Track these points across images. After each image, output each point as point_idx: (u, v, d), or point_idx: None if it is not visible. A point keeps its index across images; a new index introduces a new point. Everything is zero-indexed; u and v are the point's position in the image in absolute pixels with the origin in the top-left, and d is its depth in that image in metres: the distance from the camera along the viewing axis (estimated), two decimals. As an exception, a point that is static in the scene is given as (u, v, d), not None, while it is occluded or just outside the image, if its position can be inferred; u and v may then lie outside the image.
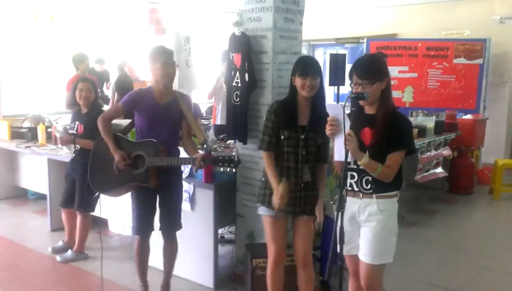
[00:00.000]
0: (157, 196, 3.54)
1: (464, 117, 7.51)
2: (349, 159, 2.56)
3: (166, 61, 3.41)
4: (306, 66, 2.99)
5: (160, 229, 3.59)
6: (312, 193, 3.10)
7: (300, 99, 3.04)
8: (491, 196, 6.97)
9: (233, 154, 3.31)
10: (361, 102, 2.66)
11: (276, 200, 2.98)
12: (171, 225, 3.58)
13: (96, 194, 3.77)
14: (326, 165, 3.20)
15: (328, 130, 2.59)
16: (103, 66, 8.65)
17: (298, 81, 2.98)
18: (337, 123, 2.55)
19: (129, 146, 3.45)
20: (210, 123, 6.39)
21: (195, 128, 3.52)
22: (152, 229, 3.58)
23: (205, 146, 3.47)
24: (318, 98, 3.05)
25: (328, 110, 2.66)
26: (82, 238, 4.55)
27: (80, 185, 4.26)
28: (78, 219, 4.52)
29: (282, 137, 3.02)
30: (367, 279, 2.71)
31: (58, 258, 4.53)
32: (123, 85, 7.05)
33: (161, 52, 3.43)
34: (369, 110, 2.71)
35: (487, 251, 4.88)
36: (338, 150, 2.59)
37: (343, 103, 2.49)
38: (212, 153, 3.55)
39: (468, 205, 6.63)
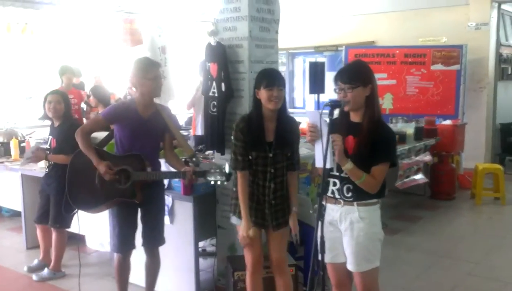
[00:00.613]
0: (138, 210, 3.44)
1: (443, 123, 7.56)
2: (331, 166, 2.54)
3: (157, 74, 3.33)
4: (272, 77, 2.93)
5: (143, 244, 3.48)
6: (282, 206, 3.06)
7: (265, 113, 2.97)
8: (473, 201, 7.00)
9: (224, 166, 3.23)
10: (345, 108, 2.64)
11: (241, 234, 3.00)
12: (155, 240, 3.48)
13: (75, 211, 3.62)
14: (296, 171, 3.15)
15: (308, 136, 2.59)
16: (79, 79, 8.51)
17: (263, 94, 2.90)
18: (316, 129, 2.55)
19: (112, 160, 3.30)
20: (189, 134, 6.32)
21: (181, 141, 3.44)
22: (134, 247, 3.47)
23: (194, 159, 3.36)
24: (283, 111, 3.00)
25: (308, 116, 2.64)
26: (58, 256, 4.42)
27: (55, 200, 4.15)
28: (54, 235, 4.39)
29: (250, 157, 2.97)
30: (361, 285, 2.72)
31: (34, 277, 4.39)
32: (101, 93, 6.89)
33: (152, 65, 3.35)
34: (354, 118, 2.69)
35: (470, 256, 4.88)
36: (319, 156, 2.57)
37: (321, 110, 2.49)
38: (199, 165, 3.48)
39: (450, 210, 6.64)
